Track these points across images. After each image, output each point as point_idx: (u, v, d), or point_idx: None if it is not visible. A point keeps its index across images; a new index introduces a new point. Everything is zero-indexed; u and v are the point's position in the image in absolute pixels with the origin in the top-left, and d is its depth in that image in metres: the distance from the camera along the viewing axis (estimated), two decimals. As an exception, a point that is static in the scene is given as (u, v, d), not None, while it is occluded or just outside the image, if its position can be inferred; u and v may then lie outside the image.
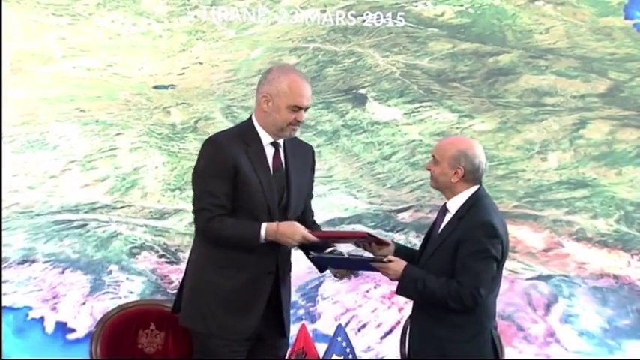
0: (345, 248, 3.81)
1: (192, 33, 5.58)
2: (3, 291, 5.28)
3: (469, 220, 3.58)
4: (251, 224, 3.58)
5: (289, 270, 3.76)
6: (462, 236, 3.55)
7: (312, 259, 3.71)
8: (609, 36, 5.65)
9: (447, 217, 3.67)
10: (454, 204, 3.66)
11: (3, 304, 5.27)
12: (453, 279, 3.52)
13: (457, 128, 5.59)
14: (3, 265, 5.31)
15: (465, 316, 3.57)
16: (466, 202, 3.64)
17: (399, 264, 3.57)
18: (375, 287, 5.48)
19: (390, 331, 5.42)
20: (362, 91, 5.64)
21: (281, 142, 3.70)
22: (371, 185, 5.55)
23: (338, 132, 5.59)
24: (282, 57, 5.56)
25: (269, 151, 3.67)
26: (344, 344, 3.50)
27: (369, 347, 5.44)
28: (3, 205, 5.33)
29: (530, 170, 5.60)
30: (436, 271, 3.57)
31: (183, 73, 5.58)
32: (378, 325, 5.47)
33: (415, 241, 5.39)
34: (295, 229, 3.57)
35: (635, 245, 5.56)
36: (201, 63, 5.59)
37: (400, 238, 5.49)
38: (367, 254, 3.70)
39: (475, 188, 3.66)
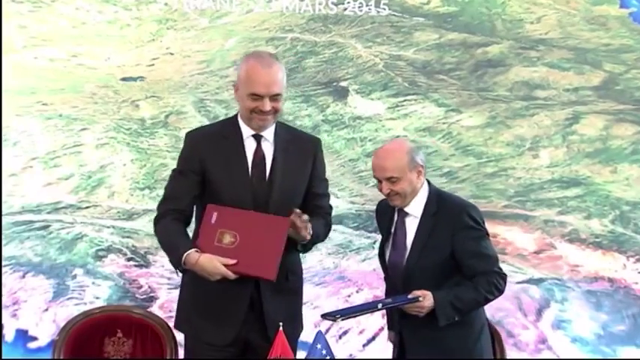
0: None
1: (163, 22, 5.56)
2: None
3: (448, 212, 3.64)
4: (180, 244, 3.60)
5: (288, 275, 3.70)
6: (454, 228, 3.60)
7: (325, 318, 3.67)
8: (604, 26, 5.67)
9: (412, 220, 3.68)
10: (415, 205, 3.69)
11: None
12: (476, 276, 3.57)
13: (444, 123, 5.60)
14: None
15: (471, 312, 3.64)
16: (429, 198, 3.69)
17: (428, 298, 3.56)
18: (357, 292, 5.47)
19: (373, 338, 5.42)
20: (343, 83, 5.63)
21: (268, 135, 3.69)
22: (353, 184, 5.55)
23: (318, 127, 5.58)
24: (259, 47, 5.53)
25: (250, 145, 3.67)
26: (324, 352, 3.46)
27: (350, 355, 5.44)
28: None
29: (520, 167, 5.61)
30: (427, 272, 3.59)
31: (152, 65, 5.56)
32: (361, 332, 5.46)
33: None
34: (214, 267, 3.53)
35: (631, 247, 5.58)
36: (172, 54, 5.58)
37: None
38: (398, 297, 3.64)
39: (426, 182, 3.72)
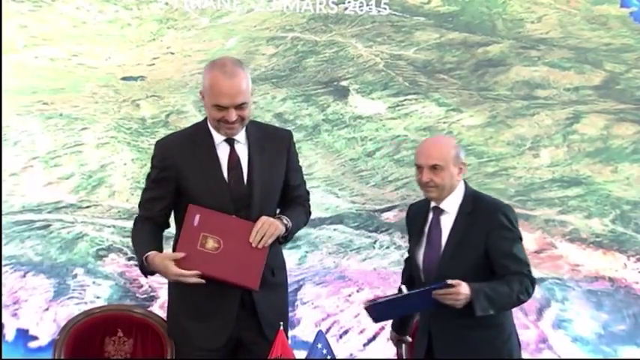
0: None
1: (163, 21, 5.56)
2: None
3: (484, 210, 3.64)
4: (142, 248, 3.62)
5: (274, 270, 3.69)
6: (489, 227, 3.60)
7: (367, 309, 3.65)
8: (605, 25, 5.67)
9: (448, 218, 3.68)
10: (451, 203, 3.68)
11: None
12: (509, 275, 3.56)
13: (444, 123, 5.59)
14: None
15: (501, 314, 3.61)
16: (465, 197, 3.69)
17: (464, 286, 3.49)
18: (357, 291, 5.47)
19: (374, 337, 5.41)
20: (344, 83, 5.62)
21: (240, 137, 3.66)
22: (353, 183, 5.54)
23: (318, 127, 5.58)
24: (259, 47, 5.54)
25: (223, 149, 3.65)
26: (324, 351, 3.46)
27: (351, 354, 5.43)
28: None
29: (521, 167, 5.61)
30: (461, 270, 3.57)
31: (153, 64, 5.56)
32: (361, 332, 5.45)
33: (400, 242, 5.39)
34: (164, 267, 3.53)
35: (632, 246, 5.57)
36: (172, 53, 5.57)
37: (384, 239, 5.48)
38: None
39: (462, 182, 3.72)
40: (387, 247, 5.48)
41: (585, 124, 5.63)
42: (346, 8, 5.60)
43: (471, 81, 5.63)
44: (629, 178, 5.60)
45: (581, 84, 5.65)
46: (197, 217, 3.53)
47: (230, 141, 3.64)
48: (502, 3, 5.66)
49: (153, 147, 5.38)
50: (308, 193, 3.88)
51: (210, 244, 3.53)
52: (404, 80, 5.63)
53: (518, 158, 5.61)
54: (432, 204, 3.72)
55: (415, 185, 3.89)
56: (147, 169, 5.36)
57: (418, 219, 3.77)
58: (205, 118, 3.70)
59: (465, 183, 3.74)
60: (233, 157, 3.64)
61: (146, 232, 3.68)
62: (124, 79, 5.54)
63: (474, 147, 5.59)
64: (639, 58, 5.66)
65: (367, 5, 5.60)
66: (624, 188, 5.60)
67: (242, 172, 3.64)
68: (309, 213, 3.86)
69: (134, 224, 3.74)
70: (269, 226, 3.55)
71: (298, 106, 5.58)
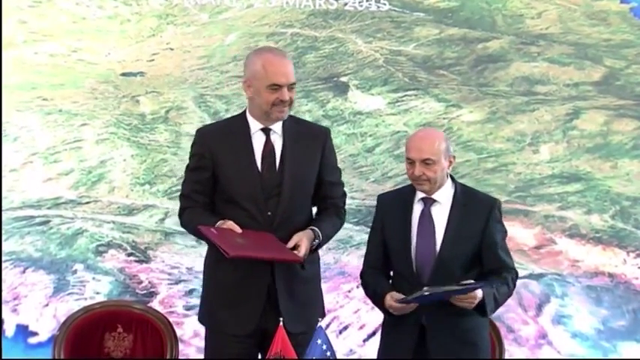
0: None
1: (163, 17, 5.55)
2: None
3: (480, 203, 3.71)
4: (209, 217, 3.70)
5: (304, 264, 3.72)
6: (487, 220, 3.67)
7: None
8: (605, 21, 5.65)
9: (440, 209, 3.69)
10: (443, 194, 3.70)
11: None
12: (504, 270, 3.67)
13: (444, 118, 5.58)
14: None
15: None
16: (456, 189, 3.72)
17: (479, 290, 3.58)
18: (357, 287, 5.45)
19: (374, 333, 5.40)
20: (343, 79, 5.61)
21: (277, 128, 3.73)
22: (353, 179, 5.53)
23: (318, 122, 5.54)
24: (259, 42, 5.52)
25: (258, 138, 3.72)
26: (324, 347, 3.47)
27: (351, 350, 5.43)
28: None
29: (521, 163, 5.60)
30: (459, 261, 3.63)
31: (153, 60, 5.55)
32: (361, 327, 5.46)
33: (400, 238, 5.39)
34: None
35: (632, 242, 5.56)
36: (172, 49, 5.56)
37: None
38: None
39: (449, 175, 3.75)
40: (387, 243, 5.46)
41: (585, 120, 5.62)
42: (346, 4, 5.59)
43: (470, 77, 5.63)
44: (629, 174, 5.59)
45: (581, 80, 5.64)
46: (212, 229, 3.59)
47: (266, 130, 3.72)
48: (502, -1, 5.67)
49: (154, 143, 5.48)
50: (344, 194, 3.94)
51: (240, 240, 3.57)
52: (403, 76, 5.62)
53: (517, 154, 5.60)
54: (420, 195, 3.72)
55: (415, 181, 3.88)
56: (146, 165, 5.46)
57: (397, 210, 3.76)
58: (244, 110, 3.77)
59: (450, 175, 3.75)
60: (267, 146, 3.72)
61: (202, 210, 3.73)
62: (123, 74, 5.53)
63: (473, 143, 5.58)
64: (639, 53, 5.65)
65: (367, 1, 5.59)
66: (624, 184, 5.59)
67: (275, 161, 3.71)
68: (341, 218, 3.92)
69: (181, 214, 3.80)
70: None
71: (298, 102, 5.55)
